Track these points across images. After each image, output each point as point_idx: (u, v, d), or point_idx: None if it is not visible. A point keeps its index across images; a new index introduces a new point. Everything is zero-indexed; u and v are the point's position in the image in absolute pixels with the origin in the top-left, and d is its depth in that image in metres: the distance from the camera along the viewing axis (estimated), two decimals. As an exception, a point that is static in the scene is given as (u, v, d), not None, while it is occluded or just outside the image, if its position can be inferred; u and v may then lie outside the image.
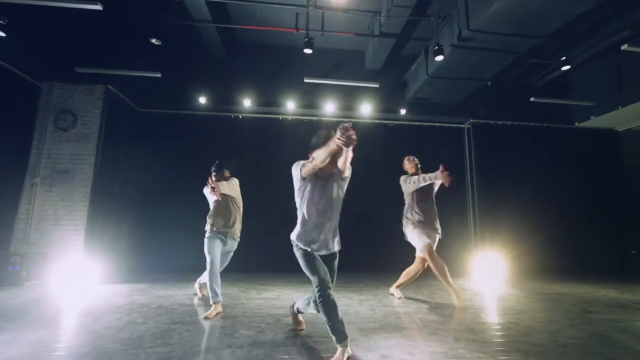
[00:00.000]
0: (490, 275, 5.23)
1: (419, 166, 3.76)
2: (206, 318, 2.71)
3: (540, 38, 4.22)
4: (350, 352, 1.94)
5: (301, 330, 2.43)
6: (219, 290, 2.90)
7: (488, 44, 4.32)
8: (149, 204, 5.55)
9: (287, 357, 1.95)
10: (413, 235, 3.50)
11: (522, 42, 4.31)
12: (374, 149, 6.20)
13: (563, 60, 4.74)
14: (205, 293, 3.41)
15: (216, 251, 3.00)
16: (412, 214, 3.55)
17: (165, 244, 5.36)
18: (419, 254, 3.52)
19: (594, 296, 3.83)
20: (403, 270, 3.69)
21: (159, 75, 4.97)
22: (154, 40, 4.33)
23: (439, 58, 4.33)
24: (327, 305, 1.90)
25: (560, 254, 5.87)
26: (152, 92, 5.66)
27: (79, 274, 4.26)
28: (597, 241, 6.13)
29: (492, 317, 2.91)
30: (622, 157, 6.79)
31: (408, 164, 3.81)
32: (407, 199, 3.70)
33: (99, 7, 3.40)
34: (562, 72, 5.52)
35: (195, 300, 3.38)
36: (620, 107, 5.82)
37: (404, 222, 3.64)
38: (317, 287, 1.94)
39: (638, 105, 5.66)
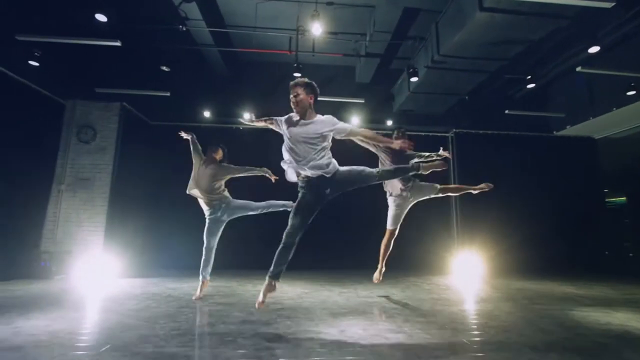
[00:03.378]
0: (469, 273, 5.73)
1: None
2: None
3: (506, 60, 4.73)
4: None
5: None
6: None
7: (458, 65, 4.85)
8: (160, 207, 6.19)
9: (271, 331, 2.53)
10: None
11: (490, 64, 4.83)
12: (363, 157, 6.75)
13: (528, 78, 5.22)
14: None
15: None
16: None
17: (174, 243, 5.98)
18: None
19: (550, 291, 4.33)
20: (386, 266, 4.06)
21: (168, 94, 5.60)
22: (164, 68, 4.95)
23: (414, 79, 4.87)
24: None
25: (538, 255, 6.35)
26: (162, 108, 6.31)
27: (99, 269, 4.91)
28: (573, 243, 6.58)
29: (446, 305, 3.44)
30: (599, 163, 7.23)
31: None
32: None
33: (118, 44, 4.03)
34: (535, 86, 6.02)
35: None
36: (592, 118, 6.28)
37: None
38: None
39: (609, 116, 6.12)
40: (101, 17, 3.75)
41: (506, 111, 6.32)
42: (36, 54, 4.44)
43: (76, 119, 5.63)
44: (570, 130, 6.92)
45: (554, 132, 7.13)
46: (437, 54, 4.58)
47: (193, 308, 3.18)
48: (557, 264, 6.38)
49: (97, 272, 4.86)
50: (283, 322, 2.75)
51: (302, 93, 2.54)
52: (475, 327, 2.68)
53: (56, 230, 5.29)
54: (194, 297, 3.44)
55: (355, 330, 2.52)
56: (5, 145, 4.67)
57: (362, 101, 5.80)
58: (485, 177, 6.81)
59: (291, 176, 2.63)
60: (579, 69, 4.57)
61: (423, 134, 7.14)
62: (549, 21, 3.63)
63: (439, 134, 7.17)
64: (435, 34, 4.62)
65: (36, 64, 4.55)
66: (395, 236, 3.91)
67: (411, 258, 6.37)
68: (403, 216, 3.86)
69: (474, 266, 5.87)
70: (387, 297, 3.83)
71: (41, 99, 5.27)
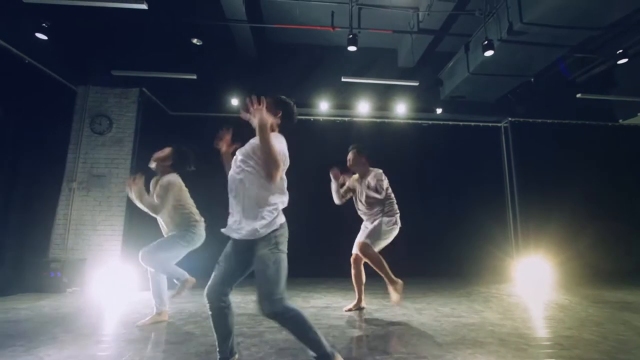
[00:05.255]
0: (536, 280, 4.97)
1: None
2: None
3: (598, 29, 3.98)
4: None
5: None
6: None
7: (540, 37, 4.11)
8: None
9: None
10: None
11: (577, 35, 4.09)
12: (409, 149, 6.05)
13: (619, 53, 4.47)
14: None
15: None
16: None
17: (199, 249, 5.25)
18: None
19: (665, 304, 3.57)
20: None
21: (195, 77, 4.89)
22: (195, 40, 4.24)
23: (489, 53, 4.13)
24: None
25: (610, 259, 5.56)
26: (183, 95, 5.60)
27: (118, 280, 4.19)
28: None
29: (570, 329, 2.68)
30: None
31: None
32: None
33: (144, 7, 3.32)
34: (607, 66, 5.27)
35: (247, 308, 3.26)
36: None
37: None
38: None
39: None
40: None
41: (578, 95, 5.56)
42: (44, 25, 3.73)
43: (89, 107, 4.93)
44: (639, 118, 6.16)
45: (620, 120, 6.36)
46: (520, 21, 3.83)
47: (250, 337, 2.44)
48: (632, 270, 5.59)
49: (115, 285, 4.14)
50: (384, 359, 2.01)
51: None
52: (656, 367, 1.93)
53: (67, 235, 4.58)
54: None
55: (503, 376, 1.78)
56: (7, 138, 3.97)
57: (417, 84, 5.06)
58: (545, 171, 6.12)
59: None
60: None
61: (473, 124, 6.42)
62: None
63: (490, 124, 6.44)
64: (516, -1, 3.89)
65: (44, 37, 3.83)
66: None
67: (464, 262, 5.63)
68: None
69: (539, 273, 5.10)
70: (480, 317, 3.07)
71: (49, 84, 4.57)
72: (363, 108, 5.71)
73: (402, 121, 6.14)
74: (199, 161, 5.70)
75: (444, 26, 5.06)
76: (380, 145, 5.96)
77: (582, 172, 6.07)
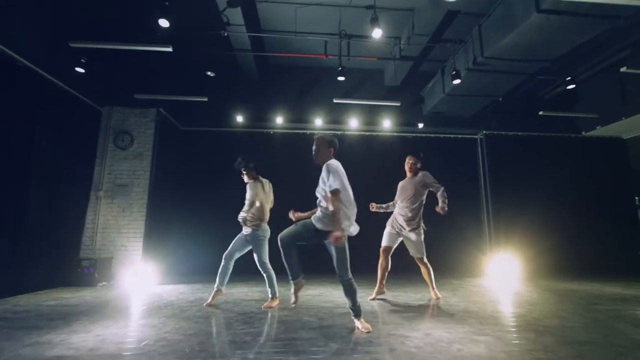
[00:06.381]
0: (505, 274, 5.70)
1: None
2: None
3: (547, 61, 4.74)
4: None
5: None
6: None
7: (500, 67, 4.86)
8: (196, 212, 6.15)
9: (357, 335, 2.50)
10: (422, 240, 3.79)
11: (531, 65, 4.84)
12: (393, 160, 6.76)
13: (568, 79, 5.23)
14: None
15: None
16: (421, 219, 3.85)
17: (207, 249, 5.93)
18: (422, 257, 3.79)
19: (601, 292, 4.31)
20: (417, 270, 3.99)
21: (206, 99, 5.61)
22: (209, 73, 4.96)
23: (457, 82, 4.87)
24: None
25: (571, 256, 6.32)
26: (194, 113, 6.32)
27: (141, 275, 4.88)
28: (606, 243, 6.55)
29: (509, 307, 3.42)
30: (629, 163, 7.23)
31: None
32: (420, 203, 3.77)
33: (169, 49, 4.04)
34: (564, 88, 6.04)
35: (253, 296, 3.96)
36: (624, 118, 6.28)
37: (419, 226, 3.79)
38: None
39: (640, 116, 6.11)
40: (164, 23, 3.75)
41: (540, 112, 6.32)
42: (82, 60, 4.45)
43: (113, 125, 5.63)
44: (599, 131, 6.93)
45: (583, 132, 7.14)
46: (481, 55, 4.58)
47: (261, 314, 3.15)
48: (590, 265, 6.34)
49: (139, 279, 4.83)
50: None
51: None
52: (557, 328, 2.65)
53: (95, 237, 5.27)
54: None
55: (441, 334, 2.50)
56: (44, 153, 4.65)
57: (399, 104, 5.80)
58: (516, 178, 6.88)
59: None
60: (623, 69, 4.58)
61: (452, 136, 7.17)
62: (605, 21, 3.64)
63: (467, 136, 7.19)
64: (478, 36, 4.63)
65: (82, 70, 4.55)
66: (391, 254, 3.90)
67: (443, 259, 6.34)
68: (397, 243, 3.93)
69: (509, 268, 5.83)
70: (443, 300, 3.79)
71: (79, 106, 5.26)
72: (353, 123, 6.44)
73: (388, 134, 6.88)
74: (206, 170, 6.42)
75: (422, 53, 5.80)
76: (368, 155, 6.71)
77: (548, 179, 6.82)
